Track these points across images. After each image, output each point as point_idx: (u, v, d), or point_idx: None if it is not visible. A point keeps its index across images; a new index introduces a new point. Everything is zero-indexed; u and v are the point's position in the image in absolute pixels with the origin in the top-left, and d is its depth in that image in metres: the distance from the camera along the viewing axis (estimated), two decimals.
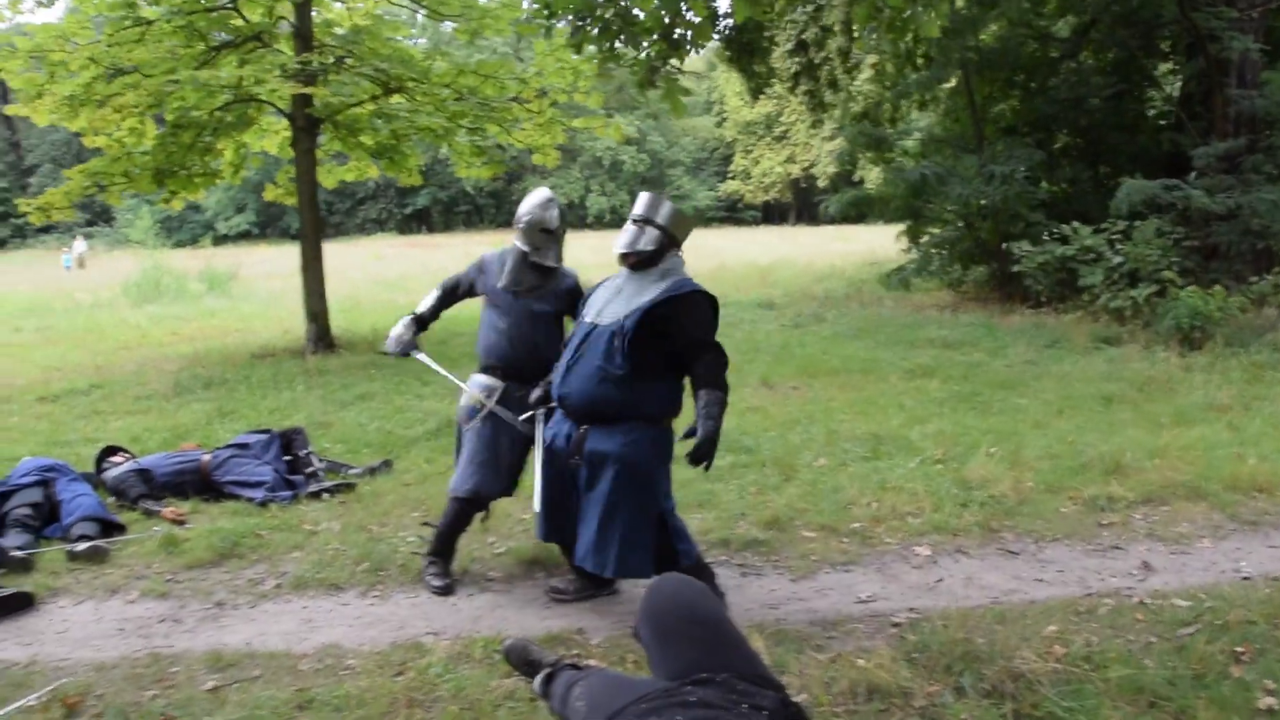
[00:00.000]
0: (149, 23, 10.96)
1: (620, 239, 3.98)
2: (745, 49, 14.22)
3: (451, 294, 4.85)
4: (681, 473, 6.16)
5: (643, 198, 4.06)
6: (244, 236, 56.35)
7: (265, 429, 6.87)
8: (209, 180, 12.84)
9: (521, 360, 4.49)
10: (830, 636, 3.89)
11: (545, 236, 4.55)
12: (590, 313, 4.00)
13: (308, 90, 10.70)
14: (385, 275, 25.92)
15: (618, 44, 4.14)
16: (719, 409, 3.65)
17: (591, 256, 30.52)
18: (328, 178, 14.00)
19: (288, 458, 6.62)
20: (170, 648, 4.07)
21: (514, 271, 4.55)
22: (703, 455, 3.59)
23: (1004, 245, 12.75)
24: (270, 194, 13.85)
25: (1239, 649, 3.47)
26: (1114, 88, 14.13)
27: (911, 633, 3.78)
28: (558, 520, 4.08)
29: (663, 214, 3.96)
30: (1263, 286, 10.94)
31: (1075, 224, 11.78)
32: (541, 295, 4.55)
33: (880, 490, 5.62)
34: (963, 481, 5.63)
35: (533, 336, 4.51)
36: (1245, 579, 4.30)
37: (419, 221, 64.35)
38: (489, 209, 64.65)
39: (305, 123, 11.69)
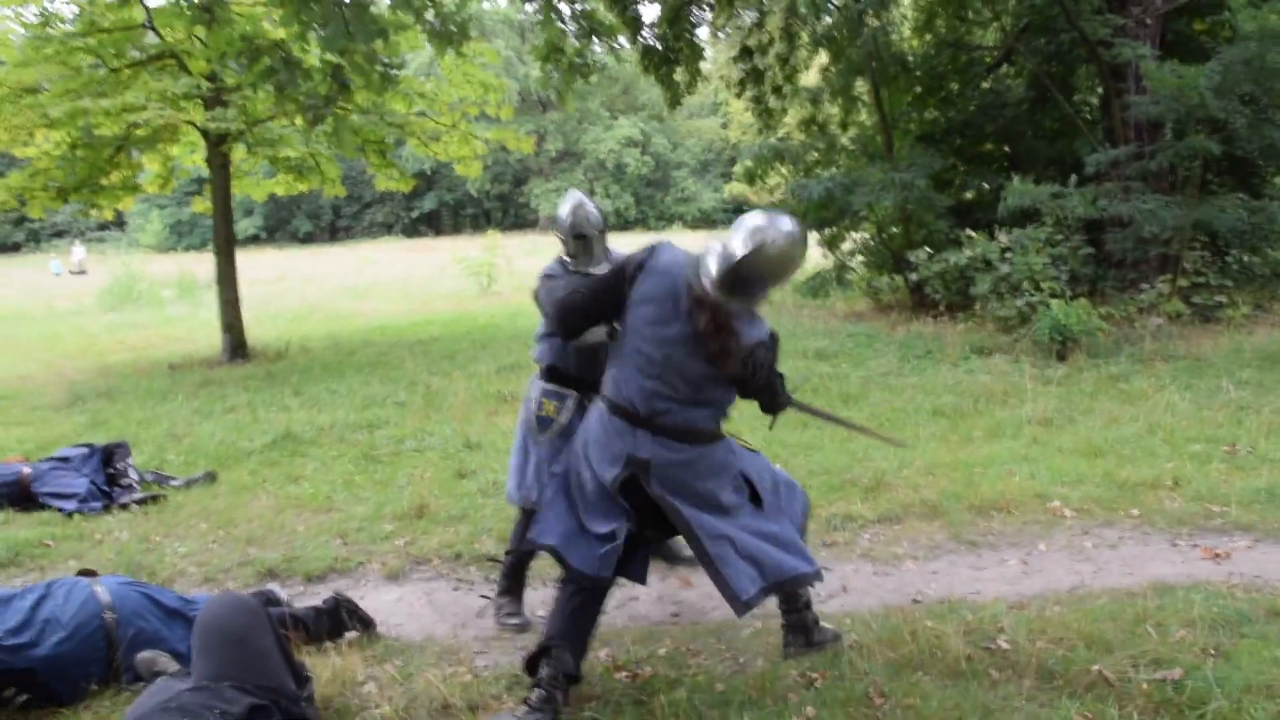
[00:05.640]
0: (63, 41, 11.23)
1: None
2: (664, 58, 14.31)
3: None
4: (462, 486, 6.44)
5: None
6: (252, 240, 56.85)
7: (88, 443, 7.10)
8: (130, 193, 13.13)
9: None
10: (480, 651, 4.07)
11: (580, 243, 4.40)
12: None
13: (209, 120, 10.99)
14: (357, 283, 26.23)
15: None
16: None
17: None
18: (256, 190, 14.31)
19: (110, 470, 6.86)
20: None
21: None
22: None
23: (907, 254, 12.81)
24: (198, 206, 14.14)
25: (815, 674, 3.62)
26: (1031, 94, 14.20)
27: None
28: None
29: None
30: (1149, 295, 10.98)
31: (969, 231, 11.84)
32: None
33: None
34: None
35: None
36: (916, 602, 4.42)
37: (427, 224, 64.78)
38: (496, 212, 65.00)
39: (216, 139, 11.96)
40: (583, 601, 3.46)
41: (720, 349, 3.30)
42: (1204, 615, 3.87)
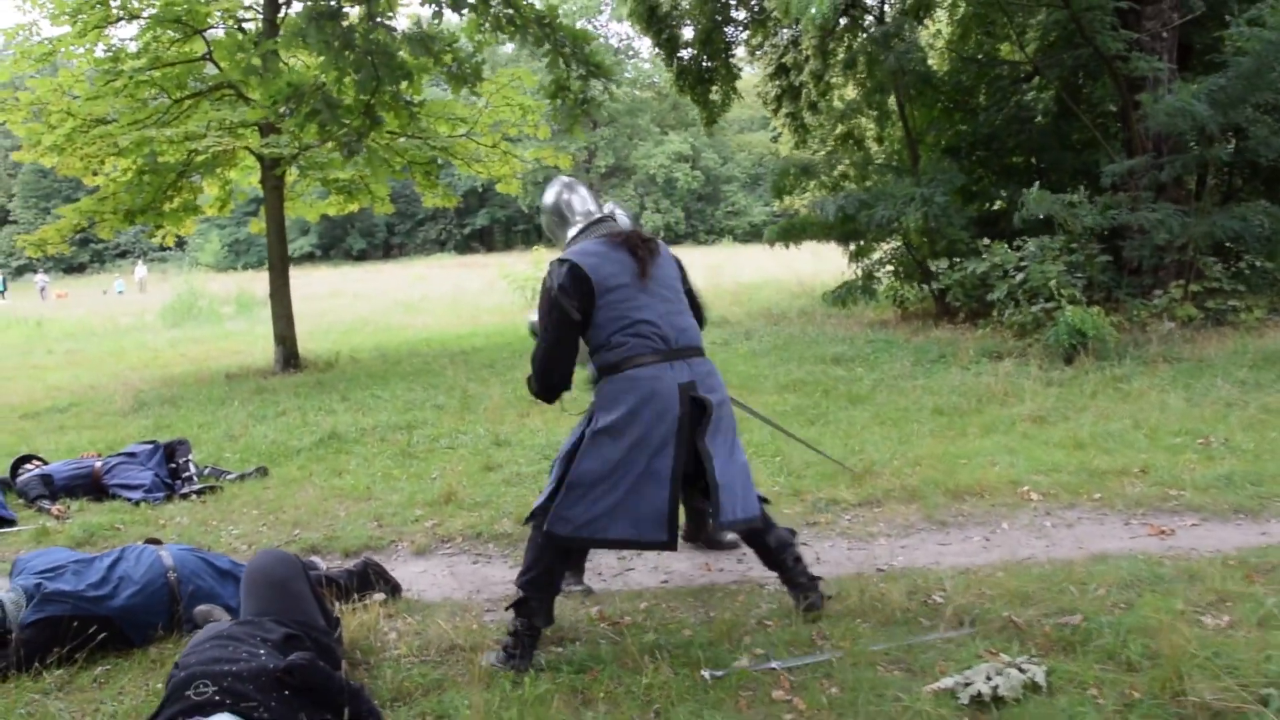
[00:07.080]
0: (130, 76, 12.08)
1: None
2: (699, 78, 14.90)
3: None
4: (489, 477, 7.02)
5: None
6: (307, 258, 58.28)
7: (152, 440, 7.83)
8: (191, 215, 13.98)
9: None
10: (488, 609, 4.67)
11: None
12: None
13: (264, 146, 11.75)
14: (408, 298, 27.10)
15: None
16: None
17: None
18: (310, 211, 15.12)
19: (172, 465, 7.58)
20: None
21: None
22: None
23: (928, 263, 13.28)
24: (255, 226, 14.97)
25: (770, 623, 4.16)
26: (1055, 108, 14.58)
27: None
28: None
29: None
30: (1162, 300, 11.34)
31: (987, 240, 12.26)
32: None
33: None
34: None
35: None
36: (879, 571, 4.93)
37: (479, 241, 65.94)
38: None
39: (270, 163, 12.74)
40: (554, 554, 3.94)
41: (649, 245, 3.98)
42: (1124, 578, 4.36)
